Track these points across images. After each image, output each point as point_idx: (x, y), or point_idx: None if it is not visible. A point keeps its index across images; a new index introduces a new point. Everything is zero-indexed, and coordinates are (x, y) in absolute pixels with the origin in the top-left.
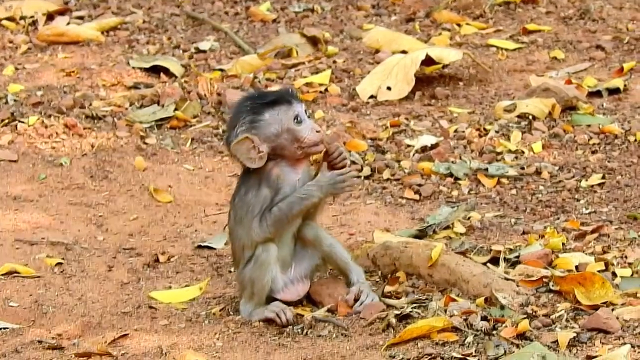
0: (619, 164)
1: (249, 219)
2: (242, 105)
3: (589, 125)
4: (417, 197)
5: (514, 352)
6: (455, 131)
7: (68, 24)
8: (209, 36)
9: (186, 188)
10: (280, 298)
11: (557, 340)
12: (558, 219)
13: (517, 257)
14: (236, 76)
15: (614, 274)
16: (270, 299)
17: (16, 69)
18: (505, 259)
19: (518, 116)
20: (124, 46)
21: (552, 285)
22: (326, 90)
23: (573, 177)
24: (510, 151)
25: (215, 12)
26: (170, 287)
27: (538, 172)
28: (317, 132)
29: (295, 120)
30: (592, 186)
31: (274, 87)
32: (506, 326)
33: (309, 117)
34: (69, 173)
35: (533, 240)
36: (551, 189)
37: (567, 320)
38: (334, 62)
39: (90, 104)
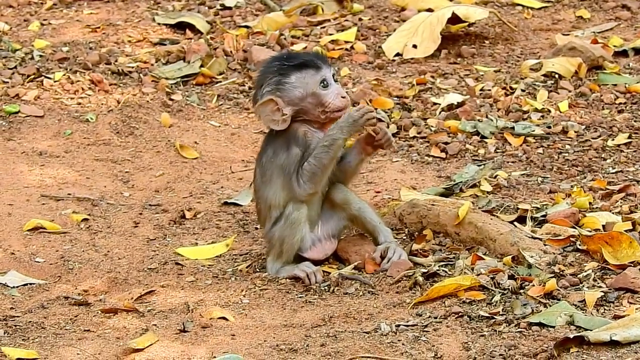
0: None
1: (286, 180)
2: (270, 65)
3: (615, 85)
4: (443, 155)
5: (541, 311)
6: (482, 90)
7: None
8: None
9: (212, 145)
10: (308, 257)
11: (584, 300)
12: (585, 178)
13: (544, 216)
14: (262, 33)
15: None
16: (297, 257)
17: (42, 24)
18: (532, 218)
19: (544, 75)
20: (149, 2)
21: (579, 245)
22: (352, 47)
23: (599, 136)
24: (536, 110)
25: None
26: (196, 244)
27: (564, 131)
28: (343, 97)
29: (322, 85)
30: (618, 145)
31: (301, 45)
32: (533, 285)
33: (336, 81)
34: (94, 129)
35: (560, 199)
36: (578, 148)
37: (594, 280)
38: (360, 19)
39: (116, 60)
